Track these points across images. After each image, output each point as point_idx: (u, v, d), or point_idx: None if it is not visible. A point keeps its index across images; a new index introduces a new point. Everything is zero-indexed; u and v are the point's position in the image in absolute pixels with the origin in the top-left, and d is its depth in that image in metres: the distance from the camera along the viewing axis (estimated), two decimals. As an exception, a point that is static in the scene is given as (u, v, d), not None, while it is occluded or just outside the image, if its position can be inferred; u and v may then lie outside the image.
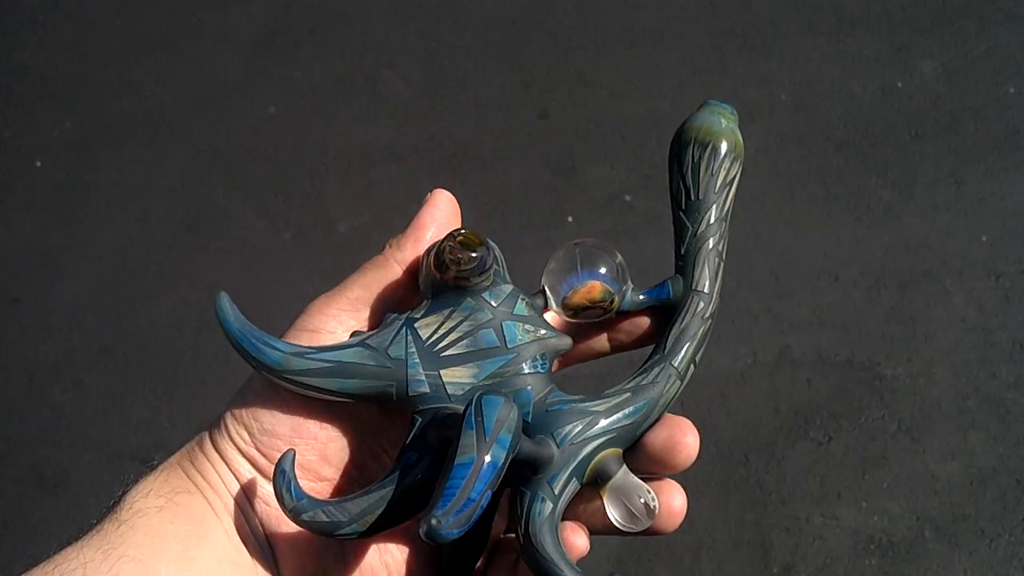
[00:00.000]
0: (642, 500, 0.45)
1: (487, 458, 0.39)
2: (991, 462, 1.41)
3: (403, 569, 0.47)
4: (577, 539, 0.44)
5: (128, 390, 1.60)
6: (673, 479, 0.46)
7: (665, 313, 0.48)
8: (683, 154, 0.47)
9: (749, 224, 1.65)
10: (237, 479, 0.45)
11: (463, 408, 0.41)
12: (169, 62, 1.98)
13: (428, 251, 0.45)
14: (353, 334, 0.44)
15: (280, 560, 0.45)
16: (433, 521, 0.37)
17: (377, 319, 0.46)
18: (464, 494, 0.38)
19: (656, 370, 0.46)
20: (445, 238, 0.42)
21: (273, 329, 0.46)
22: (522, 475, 0.43)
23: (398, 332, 0.43)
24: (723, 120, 0.47)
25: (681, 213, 0.47)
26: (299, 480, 0.43)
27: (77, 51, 2.01)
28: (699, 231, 0.47)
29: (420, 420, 0.43)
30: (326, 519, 0.41)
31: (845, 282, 1.58)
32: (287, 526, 0.44)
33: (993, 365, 1.49)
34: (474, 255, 0.42)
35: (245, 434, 0.45)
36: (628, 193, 1.69)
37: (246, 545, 0.44)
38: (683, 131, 0.47)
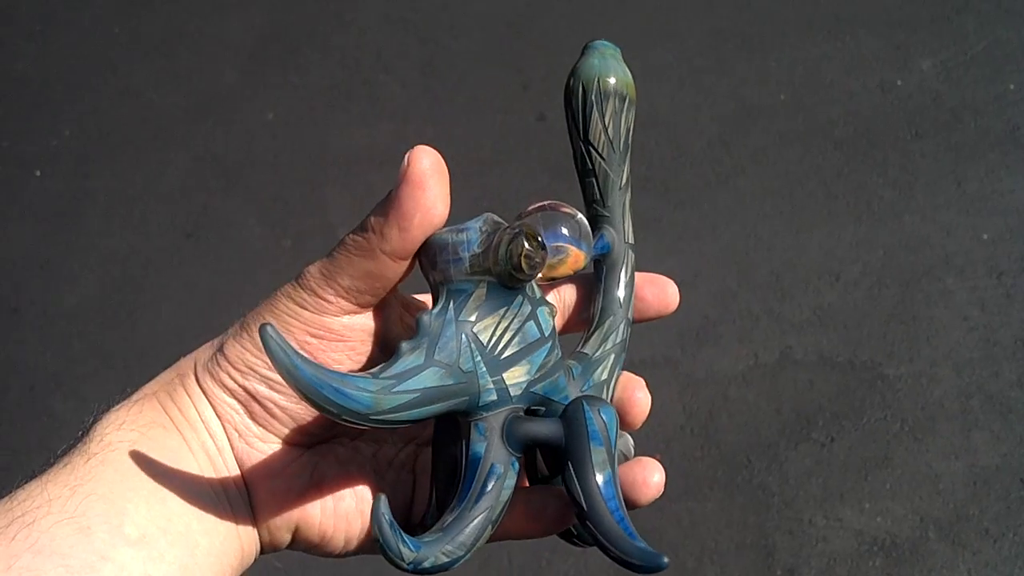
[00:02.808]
0: (629, 444, 0.46)
1: (616, 468, 0.41)
2: (994, 461, 1.40)
3: None
4: (652, 477, 0.44)
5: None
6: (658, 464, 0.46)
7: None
8: (605, 104, 0.46)
9: (749, 225, 1.64)
10: (219, 417, 0.43)
11: (571, 417, 0.41)
12: (167, 70, 1.97)
13: (454, 245, 0.41)
14: (397, 349, 0.40)
15: (257, 504, 0.43)
16: (665, 559, 0.38)
17: (376, 306, 0.44)
18: (623, 511, 0.40)
19: (621, 326, 0.47)
20: (513, 234, 0.39)
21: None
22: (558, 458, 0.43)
23: (460, 341, 0.40)
24: (626, 68, 0.47)
25: (604, 164, 0.47)
26: (281, 429, 0.42)
27: (75, 60, 2.01)
28: (622, 183, 0.47)
29: (488, 427, 0.41)
30: (447, 559, 0.39)
31: (846, 282, 1.57)
32: (265, 470, 0.43)
33: (996, 364, 1.48)
34: (544, 255, 0.40)
35: (238, 374, 0.43)
36: (627, 195, 1.69)
37: (222, 486, 0.43)
38: (601, 80, 0.46)
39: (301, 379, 0.36)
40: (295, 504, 0.44)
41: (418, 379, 0.39)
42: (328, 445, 0.45)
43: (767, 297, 1.57)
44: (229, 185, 1.82)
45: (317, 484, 0.44)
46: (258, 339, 0.41)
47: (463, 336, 0.40)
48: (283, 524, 0.44)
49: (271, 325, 0.36)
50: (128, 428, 0.41)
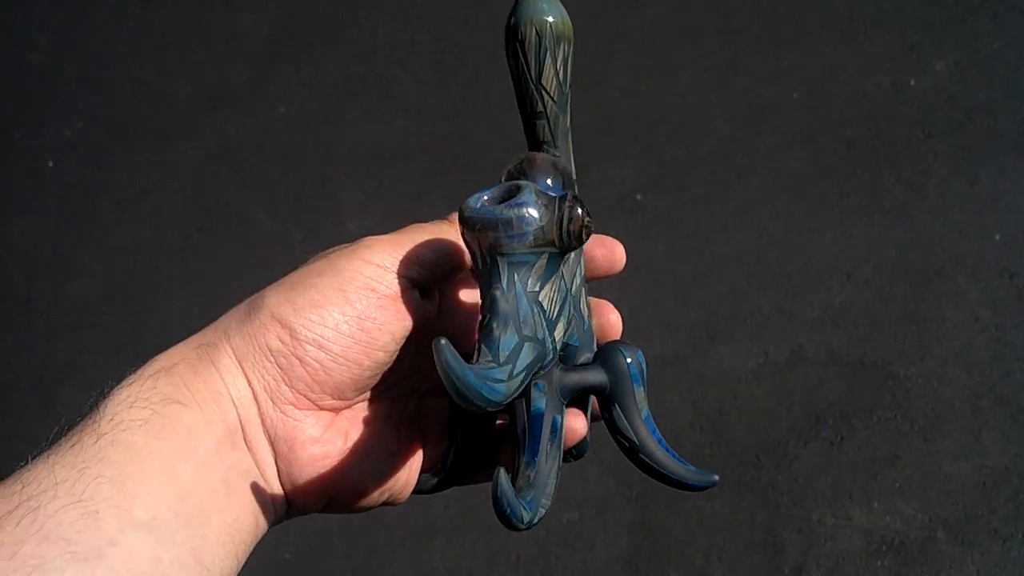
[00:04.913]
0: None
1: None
2: (1004, 462, 1.40)
3: (412, 469, 0.47)
4: (577, 423, 0.47)
5: (139, 390, 1.60)
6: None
7: None
8: (557, 49, 0.47)
9: (761, 223, 1.64)
10: (250, 385, 0.42)
11: (613, 363, 0.45)
12: (180, 63, 1.98)
13: (518, 221, 0.42)
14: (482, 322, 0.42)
15: (292, 472, 0.43)
16: (716, 476, 0.44)
17: (438, 279, 0.46)
18: (664, 440, 0.45)
19: (582, 259, 0.48)
20: (570, 207, 0.41)
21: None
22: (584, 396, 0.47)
23: (533, 312, 0.42)
24: (565, 11, 0.48)
25: (555, 106, 0.48)
26: (318, 394, 0.43)
27: (88, 52, 2.02)
28: (569, 122, 0.48)
29: (546, 384, 0.44)
30: (544, 511, 0.42)
31: (857, 281, 1.57)
32: (302, 437, 0.43)
33: (1006, 364, 1.47)
34: (591, 221, 0.43)
35: (287, 337, 0.42)
36: (639, 192, 1.68)
37: (239, 461, 0.42)
38: (552, 25, 0.47)
39: (469, 385, 0.38)
40: (334, 468, 0.44)
41: (522, 358, 0.41)
42: (353, 409, 0.46)
43: (778, 296, 1.57)
44: (241, 178, 1.82)
45: (352, 448, 0.44)
46: (316, 295, 0.42)
47: (533, 307, 0.42)
48: (321, 489, 0.44)
49: (445, 339, 0.37)
50: (140, 406, 0.40)
